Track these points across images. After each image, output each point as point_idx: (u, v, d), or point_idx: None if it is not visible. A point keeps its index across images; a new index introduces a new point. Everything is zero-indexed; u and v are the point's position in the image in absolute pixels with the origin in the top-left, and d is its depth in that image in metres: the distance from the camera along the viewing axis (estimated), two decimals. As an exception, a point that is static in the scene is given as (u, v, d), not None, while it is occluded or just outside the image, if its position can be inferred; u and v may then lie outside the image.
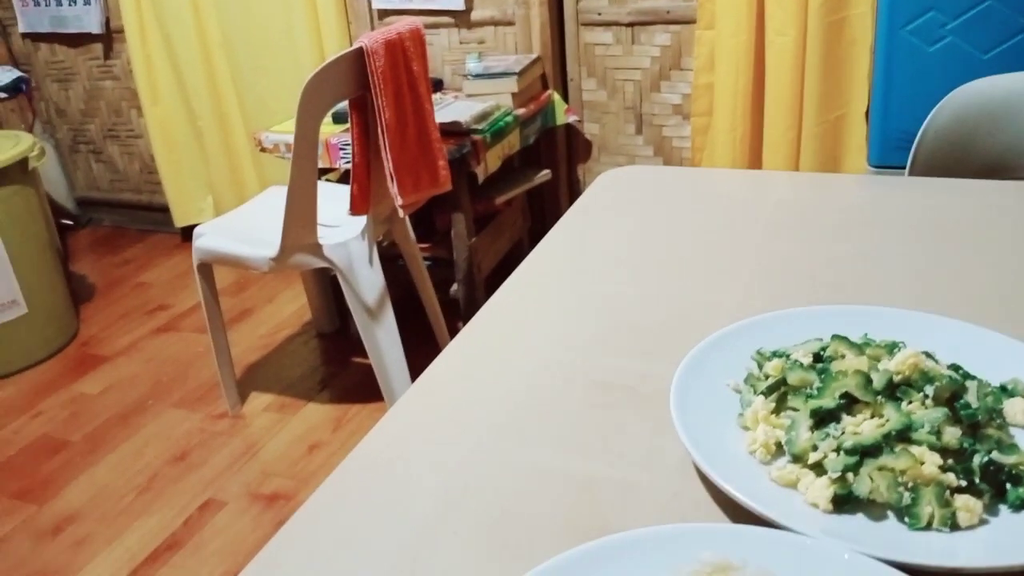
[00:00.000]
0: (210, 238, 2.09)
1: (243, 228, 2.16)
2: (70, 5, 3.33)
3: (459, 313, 2.44)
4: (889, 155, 1.77)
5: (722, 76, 2.33)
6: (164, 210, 3.47)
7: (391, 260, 2.34)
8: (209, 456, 2.16)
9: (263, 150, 2.43)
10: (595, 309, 0.89)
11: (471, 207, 2.38)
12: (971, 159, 1.29)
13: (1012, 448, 0.58)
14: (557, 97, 2.65)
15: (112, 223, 3.84)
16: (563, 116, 2.67)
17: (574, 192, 2.83)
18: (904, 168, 1.36)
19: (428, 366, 0.82)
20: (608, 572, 0.50)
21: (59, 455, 2.23)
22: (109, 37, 3.38)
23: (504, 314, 0.91)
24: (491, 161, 2.35)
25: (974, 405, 0.60)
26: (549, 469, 0.65)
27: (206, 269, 2.14)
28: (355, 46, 1.82)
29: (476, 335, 0.87)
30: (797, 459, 0.59)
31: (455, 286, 2.44)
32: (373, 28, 2.82)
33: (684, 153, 2.60)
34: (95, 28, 3.35)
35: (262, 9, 2.92)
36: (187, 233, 2.97)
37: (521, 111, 2.47)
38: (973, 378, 0.63)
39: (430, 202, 2.18)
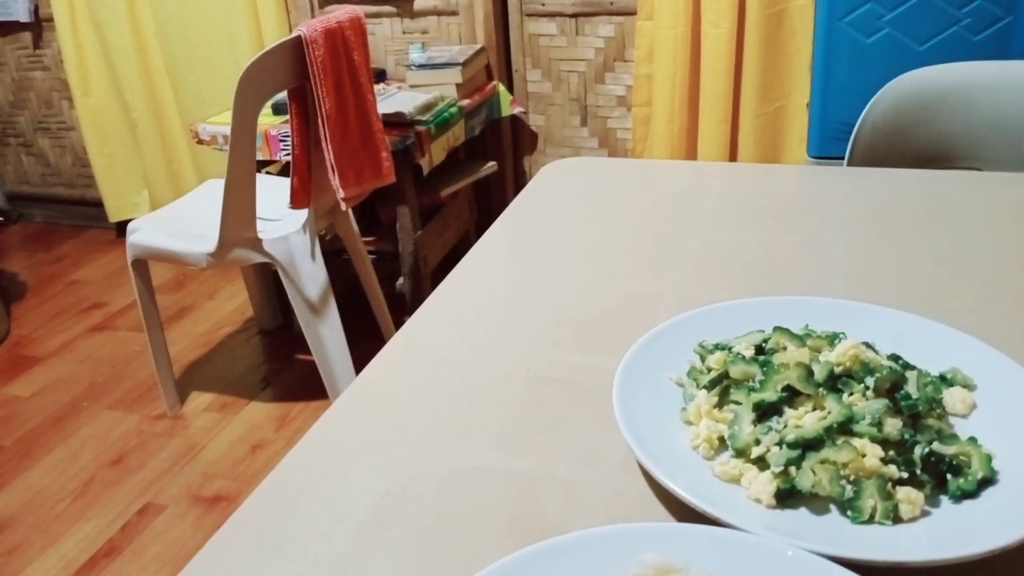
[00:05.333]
0: (145, 233, 2.03)
1: (180, 222, 2.10)
2: (-4, -7, 3.21)
3: (405, 307, 2.41)
4: (829, 146, 1.79)
5: (660, 67, 2.34)
6: (98, 205, 3.37)
7: (335, 254, 2.30)
8: (147, 458, 2.10)
9: (200, 142, 2.36)
10: (538, 302, 0.88)
11: (416, 200, 2.35)
12: (909, 149, 1.30)
13: (952, 438, 0.58)
14: (502, 88, 2.63)
15: (44, 219, 3.71)
16: (508, 107, 2.65)
17: (520, 183, 2.81)
18: (844, 159, 1.37)
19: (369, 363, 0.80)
20: (550, 575, 0.48)
21: (-11, 460, 2.15)
22: (38, 26, 3.27)
23: (447, 308, 0.89)
24: (436, 153, 2.32)
25: (914, 396, 0.59)
26: (490, 468, 0.63)
27: (141, 265, 2.08)
28: (294, 34, 1.78)
29: (418, 330, 0.85)
30: (740, 454, 0.59)
31: (401, 280, 2.41)
32: (313, 16, 2.76)
33: (629, 144, 2.61)
34: (23, 16, 3.23)
35: (198, -2, 2.84)
36: (122, 228, 2.88)
37: (466, 102, 2.45)
38: (913, 368, 0.63)
39: (374, 195, 2.14)
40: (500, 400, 0.72)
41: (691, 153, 2.41)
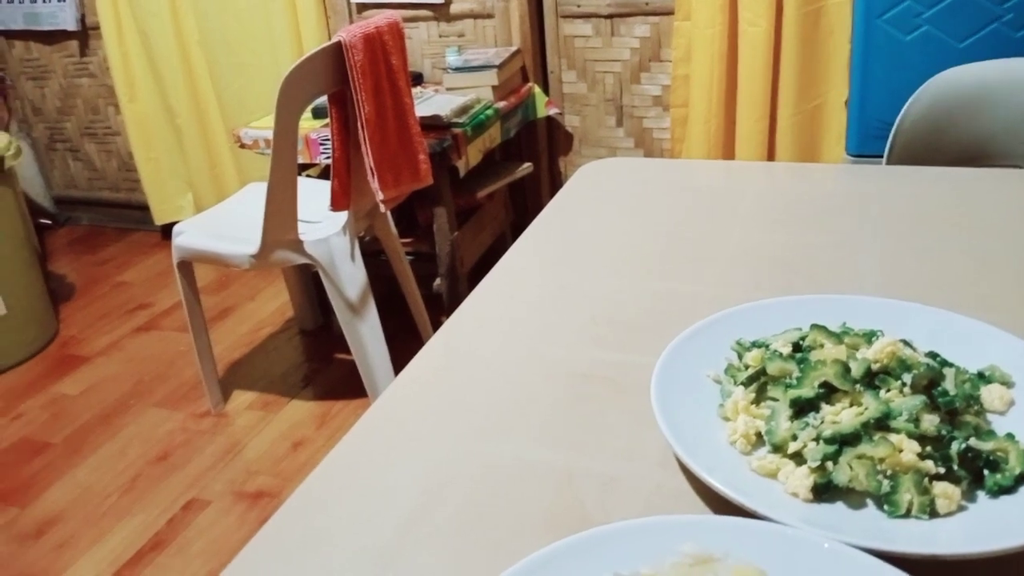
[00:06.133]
0: (190, 236, 2.08)
1: (223, 225, 2.15)
2: (44, 2, 3.30)
3: (442, 307, 2.44)
4: (867, 144, 1.79)
5: (697, 67, 2.34)
6: (143, 208, 3.44)
7: (373, 255, 2.33)
8: (192, 455, 2.15)
9: (242, 146, 2.41)
10: (576, 301, 0.89)
11: (453, 201, 2.37)
12: (947, 147, 1.29)
13: (989, 434, 0.58)
14: (538, 90, 2.65)
15: (90, 222, 3.80)
16: (544, 109, 2.67)
17: (556, 185, 2.83)
18: (882, 157, 1.37)
19: (410, 361, 0.82)
20: (590, 565, 0.50)
21: (40, 457, 2.21)
22: (85, 34, 3.35)
23: (486, 308, 0.91)
24: (472, 155, 2.34)
25: (951, 392, 0.60)
26: (531, 463, 0.65)
27: (186, 267, 2.13)
28: (333, 40, 1.81)
29: (458, 329, 0.87)
30: (777, 449, 0.60)
31: (438, 280, 2.44)
32: (352, 22, 2.80)
33: (664, 144, 2.61)
34: (70, 25, 3.31)
35: (240, 4, 2.89)
36: (167, 231, 2.94)
37: (502, 104, 2.47)
38: (951, 365, 0.64)
39: (412, 196, 2.17)
40: (539, 397, 0.73)
41: (728, 152, 2.40)
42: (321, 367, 2.50)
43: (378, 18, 1.94)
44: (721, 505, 0.57)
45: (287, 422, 2.24)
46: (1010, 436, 0.58)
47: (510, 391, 0.75)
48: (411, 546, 0.58)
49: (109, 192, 3.68)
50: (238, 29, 2.93)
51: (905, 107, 1.29)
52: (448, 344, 0.85)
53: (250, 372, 2.50)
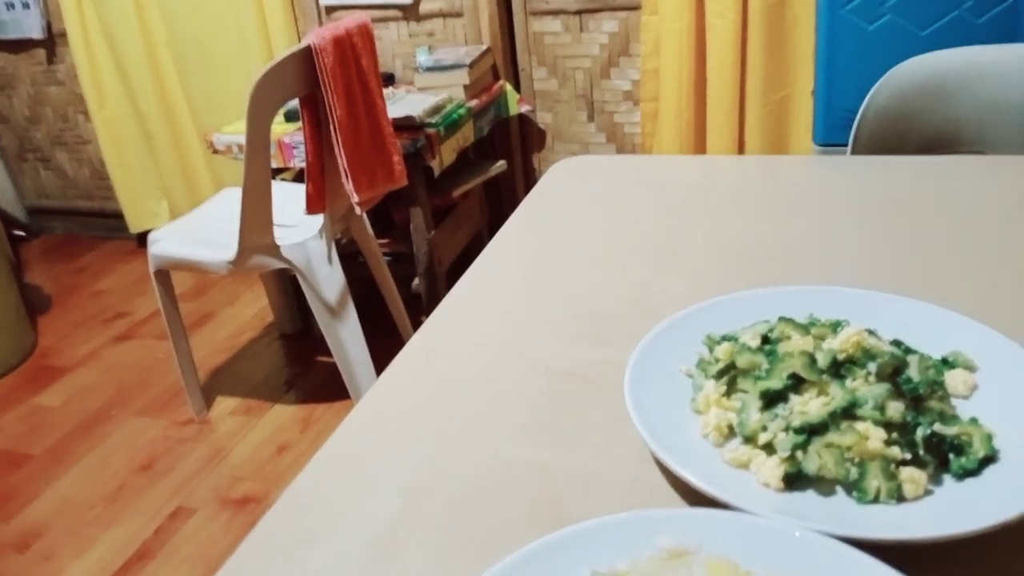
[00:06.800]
0: (166, 244, 2.07)
1: (199, 231, 2.14)
2: (8, 10, 3.26)
3: (421, 307, 2.44)
4: (834, 133, 1.81)
5: (666, 61, 2.36)
6: (117, 216, 3.42)
7: (351, 257, 2.33)
8: (176, 463, 2.14)
9: (215, 152, 2.40)
10: (552, 298, 0.91)
11: (428, 201, 2.38)
12: (912, 135, 1.32)
13: (954, 419, 0.60)
14: (509, 87, 2.65)
15: (64, 231, 3.77)
16: (516, 106, 2.67)
17: (530, 181, 2.84)
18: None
19: (392, 361, 0.83)
20: (570, 562, 0.51)
21: (21, 470, 2.20)
22: (51, 41, 3.32)
23: (463, 307, 0.92)
24: (446, 154, 2.35)
25: (916, 379, 0.62)
26: (511, 461, 0.66)
27: (163, 275, 2.12)
28: (303, 44, 1.81)
29: (437, 329, 0.88)
30: (748, 440, 0.61)
31: (416, 280, 2.44)
32: (321, 23, 2.79)
33: (636, 139, 2.63)
34: (36, 33, 3.28)
35: (207, 7, 2.88)
36: (142, 238, 2.93)
37: (474, 103, 2.47)
38: (914, 352, 0.65)
39: (387, 197, 2.18)
40: (519, 395, 0.75)
41: (699, 145, 2.43)
42: (303, 370, 2.50)
43: (347, 20, 1.94)
44: (696, 497, 0.58)
45: (270, 426, 2.24)
46: (974, 420, 0.60)
47: (490, 390, 0.76)
48: (395, 549, 0.59)
49: (82, 200, 3.66)
50: (206, 31, 2.92)
51: (868, 97, 1.31)
52: (428, 344, 0.86)
53: (232, 378, 2.50)
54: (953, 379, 0.65)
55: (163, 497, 2.03)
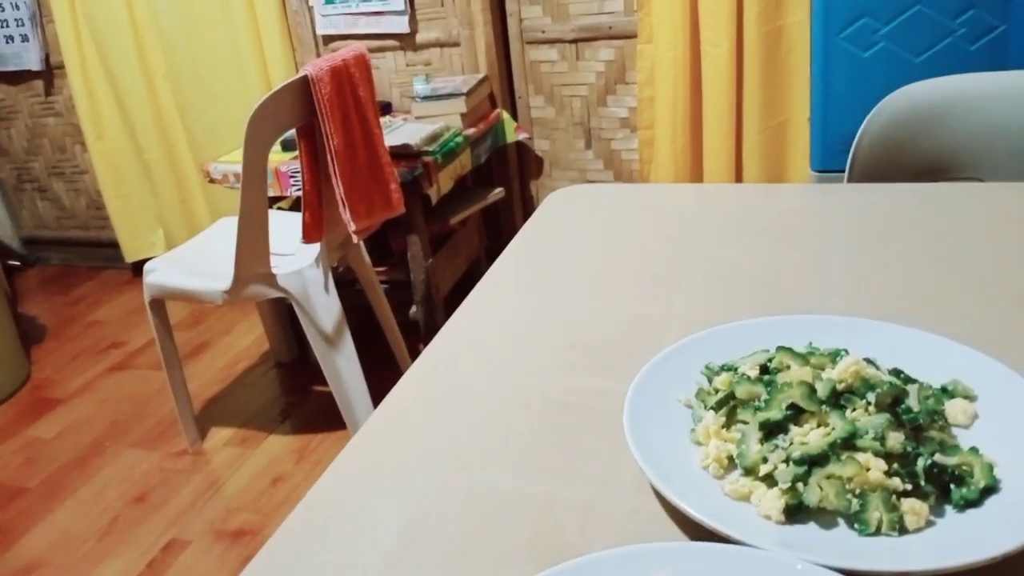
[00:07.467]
0: (161, 273, 2.07)
1: (195, 261, 2.14)
2: (7, 43, 3.28)
3: (419, 335, 2.44)
4: (831, 159, 1.82)
5: (661, 89, 2.37)
6: (114, 246, 3.42)
7: (348, 285, 2.33)
8: (170, 495, 2.12)
9: (212, 181, 2.41)
10: (550, 327, 0.90)
11: (426, 228, 2.38)
12: (908, 161, 1.32)
13: (954, 449, 0.59)
14: (506, 115, 2.67)
15: (61, 261, 3.77)
16: (513, 134, 2.69)
17: (528, 208, 2.84)
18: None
19: (388, 392, 0.82)
20: (568, 597, 0.50)
21: (16, 503, 2.17)
22: (50, 73, 3.34)
23: (461, 337, 0.91)
24: (444, 182, 2.35)
25: (915, 409, 0.61)
26: (510, 492, 0.65)
27: (158, 305, 2.11)
28: (300, 74, 1.82)
29: (435, 359, 0.88)
30: (749, 472, 0.60)
31: (414, 308, 2.44)
32: (319, 54, 2.81)
33: (634, 166, 2.64)
34: (34, 65, 3.30)
35: (206, 38, 2.90)
36: (138, 268, 2.92)
37: (471, 131, 2.48)
38: (914, 382, 0.65)
39: (385, 225, 2.18)
40: (517, 425, 0.74)
41: (696, 171, 2.43)
42: (299, 400, 2.49)
43: (344, 51, 1.95)
44: (696, 529, 0.57)
45: (266, 457, 2.22)
46: (974, 450, 0.59)
47: (489, 419, 0.75)
48: (392, 583, 0.58)
49: (79, 231, 3.66)
50: (205, 63, 2.94)
51: (863, 125, 1.32)
52: (426, 374, 0.85)
53: (227, 408, 2.49)
54: (953, 408, 0.65)
55: (157, 530, 2.00)
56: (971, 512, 0.56)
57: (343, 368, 2.07)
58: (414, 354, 0.86)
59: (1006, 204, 1.07)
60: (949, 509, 0.57)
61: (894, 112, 1.30)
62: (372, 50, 2.62)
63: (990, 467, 0.57)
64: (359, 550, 0.62)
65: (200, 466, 2.22)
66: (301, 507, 0.67)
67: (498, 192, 2.71)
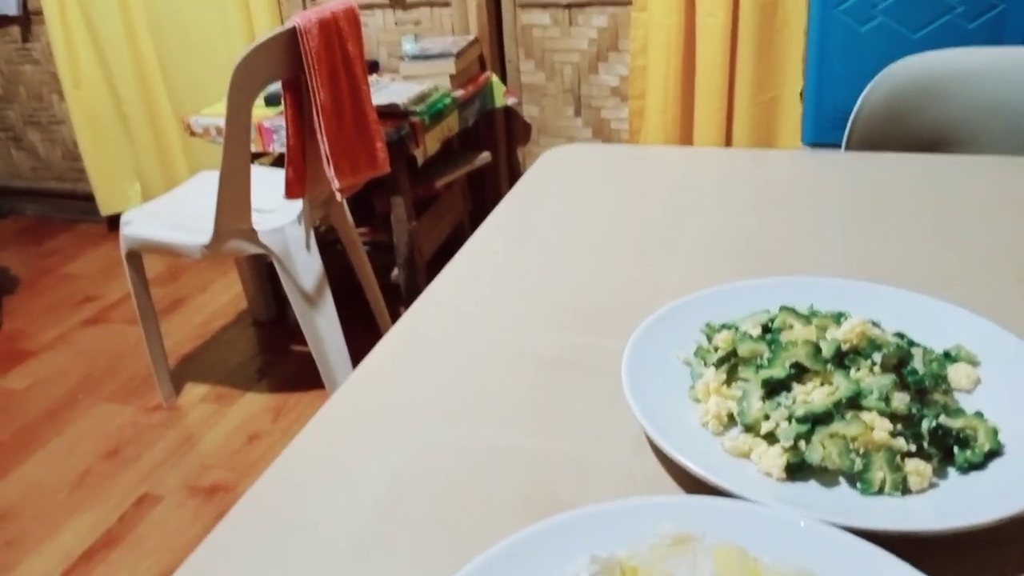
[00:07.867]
0: (139, 225, 2.03)
1: (173, 214, 2.10)
2: (-17, -15, 3.19)
3: (400, 298, 2.41)
4: (824, 133, 1.80)
5: (654, 58, 2.34)
6: (89, 199, 3.36)
7: (329, 245, 2.30)
8: (144, 450, 2.10)
9: (193, 135, 2.35)
10: (540, 288, 0.88)
11: (411, 190, 2.35)
12: (905, 135, 1.31)
13: (958, 412, 0.59)
14: (496, 79, 2.63)
15: (35, 213, 3.69)
16: (502, 98, 2.65)
17: (514, 174, 2.82)
18: (837, 146, 1.38)
19: (370, 352, 0.80)
20: (567, 548, 0.49)
21: (-16, 454, 2.14)
22: (27, 19, 3.25)
23: (446, 297, 0.89)
24: (430, 144, 2.32)
25: (920, 371, 0.60)
26: (502, 449, 0.64)
27: (135, 258, 2.07)
28: (288, 25, 1.77)
29: (418, 319, 0.85)
30: (749, 429, 0.59)
31: (396, 270, 2.41)
32: (305, 7, 2.75)
33: (623, 135, 2.61)
34: (11, 10, 3.21)
35: (189, -13, 2.83)
36: (114, 222, 2.88)
37: (459, 93, 2.45)
38: (918, 345, 0.64)
39: (369, 185, 2.14)
40: (508, 383, 0.72)
41: (686, 143, 2.42)
42: (276, 359, 2.46)
43: (334, 3, 1.90)
44: (695, 486, 0.56)
45: (242, 415, 2.20)
46: (979, 414, 0.58)
47: (478, 377, 0.73)
48: (381, 538, 0.56)
49: (54, 182, 3.58)
50: (187, 13, 2.87)
51: (862, 96, 1.30)
52: (408, 334, 0.83)
53: (202, 365, 2.46)
54: (956, 373, 0.64)
55: (129, 484, 1.98)
56: (974, 475, 0.55)
57: (323, 327, 2.04)
58: (395, 317, 0.85)
59: (1004, 176, 1.06)
60: (952, 471, 0.56)
61: (893, 84, 1.29)
62: (361, 7, 2.56)
63: (995, 431, 0.57)
64: (346, 504, 0.60)
65: (174, 421, 2.20)
66: (278, 463, 0.65)
67: (484, 156, 2.67)
